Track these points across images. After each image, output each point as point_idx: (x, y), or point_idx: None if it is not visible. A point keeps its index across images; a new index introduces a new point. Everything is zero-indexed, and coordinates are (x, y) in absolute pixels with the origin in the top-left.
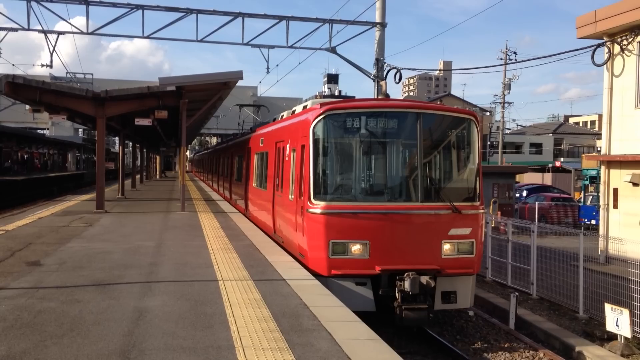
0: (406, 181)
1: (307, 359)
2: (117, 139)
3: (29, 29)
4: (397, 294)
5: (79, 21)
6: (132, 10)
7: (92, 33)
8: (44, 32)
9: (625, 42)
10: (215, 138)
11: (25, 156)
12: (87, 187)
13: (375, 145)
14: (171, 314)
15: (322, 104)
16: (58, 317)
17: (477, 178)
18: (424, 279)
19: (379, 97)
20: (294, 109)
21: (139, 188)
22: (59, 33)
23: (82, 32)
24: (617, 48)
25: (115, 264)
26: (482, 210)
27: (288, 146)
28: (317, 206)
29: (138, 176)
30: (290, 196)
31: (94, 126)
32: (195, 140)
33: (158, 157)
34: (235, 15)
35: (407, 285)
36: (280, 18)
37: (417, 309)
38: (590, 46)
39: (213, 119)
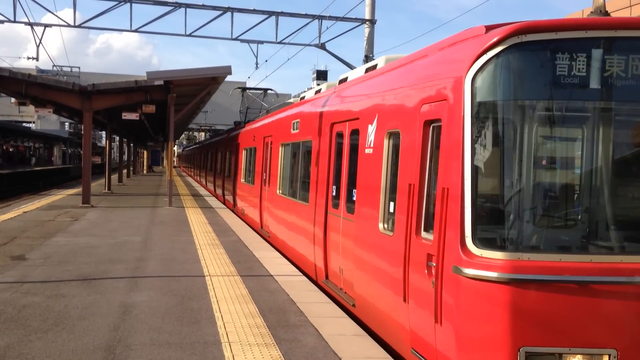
0: None
1: (294, 355)
2: (104, 133)
3: (15, 21)
4: None
5: (67, 14)
6: (120, 3)
7: (79, 26)
8: (31, 24)
9: None
10: (203, 133)
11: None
12: (73, 181)
13: (621, 119)
14: (157, 309)
15: (487, 27)
16: (43, 312)
17: None
18: None
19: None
20: (318, 87)
21: (126, 183)
22: (46, 25)
23: (69, 25)
24: None
25: (101, 258)
26: None
27: (372, 130)
28: (491, 263)
29: (125, 171)
30: (381, 225)
31: (81, 120)
32: (183, 135)
33: (145, 152)
34: (225, 10)
35: None
36: (270, 13)
37: None
38: None
39: (201, 113)
